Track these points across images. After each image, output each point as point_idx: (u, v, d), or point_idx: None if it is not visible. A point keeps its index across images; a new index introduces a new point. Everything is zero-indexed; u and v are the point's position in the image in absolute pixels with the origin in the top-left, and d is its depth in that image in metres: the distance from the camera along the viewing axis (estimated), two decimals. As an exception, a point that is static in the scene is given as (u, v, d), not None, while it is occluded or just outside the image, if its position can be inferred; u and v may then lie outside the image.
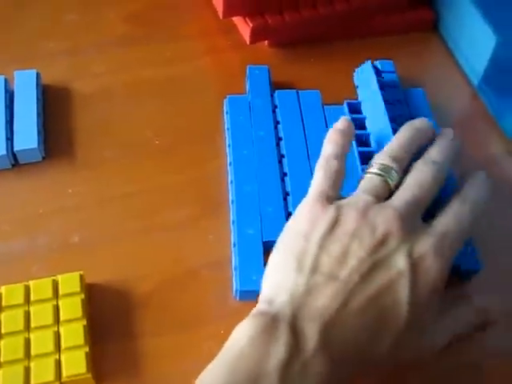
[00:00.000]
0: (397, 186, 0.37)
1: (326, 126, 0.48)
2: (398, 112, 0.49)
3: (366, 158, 0.47)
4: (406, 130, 0.40)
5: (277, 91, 0.50)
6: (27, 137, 0.45)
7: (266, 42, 0.56)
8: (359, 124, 0.49)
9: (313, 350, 0.30)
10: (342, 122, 0.40)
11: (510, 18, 0.50)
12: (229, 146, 0.47)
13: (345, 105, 0.50)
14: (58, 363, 0.35)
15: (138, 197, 0.45)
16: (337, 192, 0.37)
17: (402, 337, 0.32)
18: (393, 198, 0.36)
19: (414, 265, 0.33)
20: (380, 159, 0.38)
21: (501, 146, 0.52)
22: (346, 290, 0.32)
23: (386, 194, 0.37)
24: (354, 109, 0.50)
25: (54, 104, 0.50)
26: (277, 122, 0.48)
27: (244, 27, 0.53)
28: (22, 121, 0.46)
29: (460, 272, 0.42)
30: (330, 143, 0.39)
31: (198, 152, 0.48)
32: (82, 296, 0.38)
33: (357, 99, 0.52)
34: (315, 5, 0.55)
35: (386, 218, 0.34)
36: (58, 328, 0.37)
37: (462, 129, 0.53)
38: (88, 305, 0.39)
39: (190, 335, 0.39)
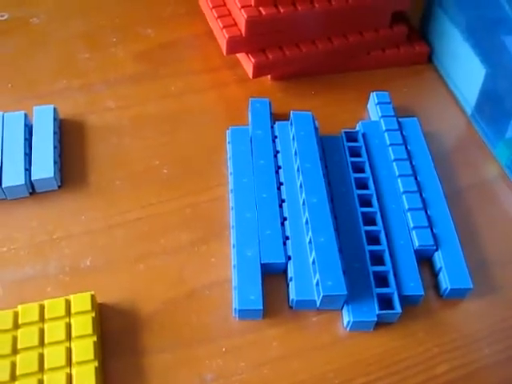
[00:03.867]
0: None
1: (324, 155, 0.51)
2: (394, 141, 0.52)
3: (360, 184, 0.50)
4: None
5: (277, 122, 0.53)
6: (44, 167, 0.49)
7: (269, 75, 0.60)
8: (355, 152, 0.52)
9: None
10: None
11: (499, 50, 0.53)
12: (230, 174, 0.50)
13: (342, 134, 0.53)
14: (70, 377, 0.38)
15: (146, 222, 0.48)
16: None
17: None
18: None
19: None
20: None
21: (494, 172, 0.55)
22: None
23: None
24: (351, 138, 0.53)
25: (69, 136, 0.54)
26: (276, 152, 0.51)
27: (247, 63, 0.57)
28: (39, 152, 0.50)
29: (452, 291, 0.44)
30: None
31: (202, 180, 0.51)
32: (93, 314, 0.41)
33: (354, 128, 0.55)
34: (314, 41, 0.58)
35: None
36: (70, 344, 0.39)
37: (457, 155, 0.55)
38: (98, 323, 0.42)
39: (193, 352, 0.42)
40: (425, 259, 0.47)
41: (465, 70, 0.58)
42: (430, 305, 0.45)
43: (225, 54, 0.56)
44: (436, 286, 0.46)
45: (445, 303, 0.45)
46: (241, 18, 0.54)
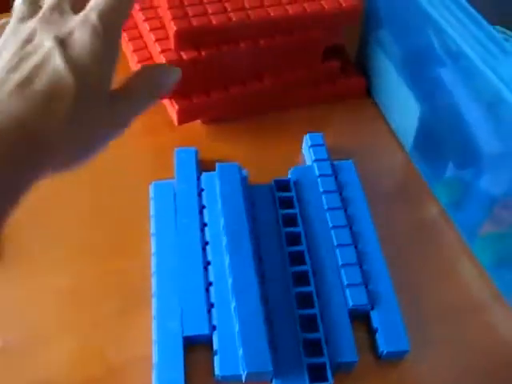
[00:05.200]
0: None
1: (253, 207, 0.49)
2: (327, 187, 0.50)
3: (292, 238, 0.47)
4: None
5: (204, 173, 0.50)
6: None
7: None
8: (287, 202, 0.49)
9: None
10: None
11: (432, 86, 0.51)
12: (153, 234, 0.47)
13: (272, 183, 0.50)
14: None
15: (66, 292, 0.45)
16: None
17: (77, 107, 0.32)
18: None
19: (63, 40, 0.33)
20: None
21: (434, 211, 0.52)
22: None
23: None
24: (282, 187, 0.50)
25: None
26: (203, 207, 0.48)
27: (171, 109, 0.54)
28: None
29: (389, 353, 0.42)
30: None
31: (124, 241, 0.48)
32: (-2, 407, 0.38)
33: (286, 176, 0.52)
34: (244, 81, 0.55)
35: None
36: None
37: (396, 195, 0.53)
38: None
39: None
40: (360, 318, 0.45)
41: (401, 105, 0.56)
42: (367, 367, 0.43)
43: (147, 101, 0.53)
44: (373, 345, 0.44)
45: (382, 365, 0.43)
46: (161, 62, 0.51)
